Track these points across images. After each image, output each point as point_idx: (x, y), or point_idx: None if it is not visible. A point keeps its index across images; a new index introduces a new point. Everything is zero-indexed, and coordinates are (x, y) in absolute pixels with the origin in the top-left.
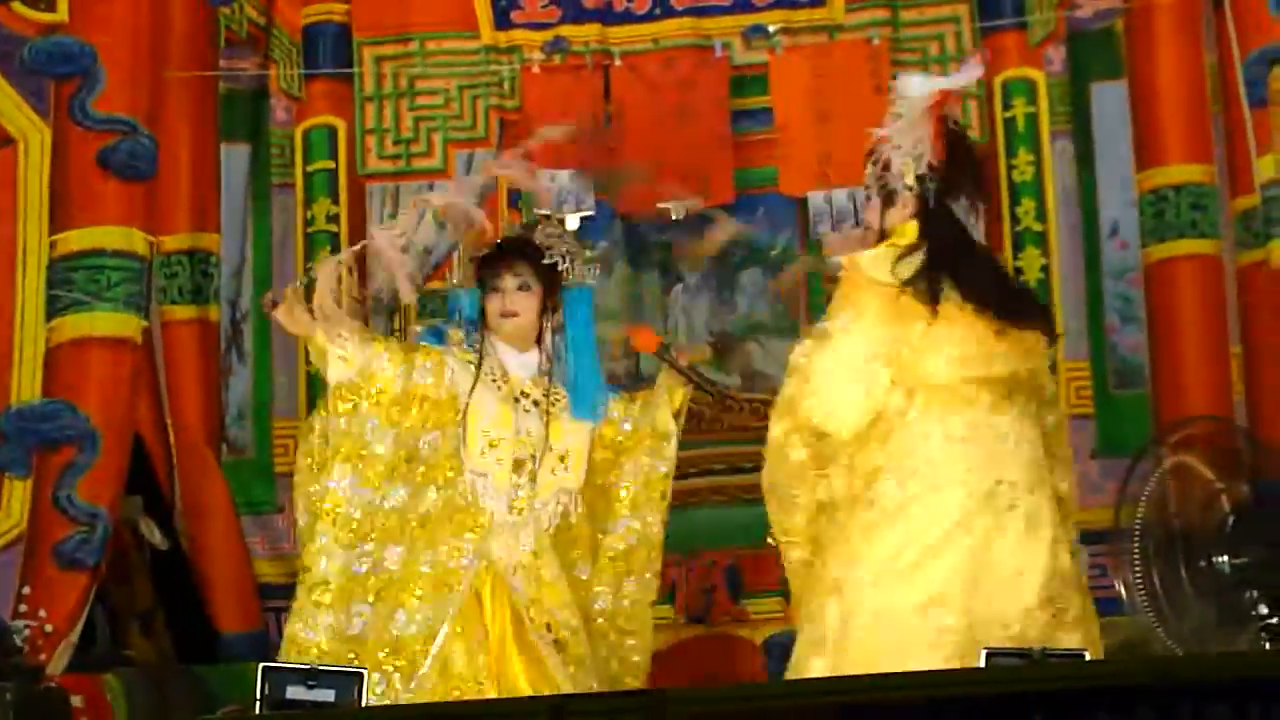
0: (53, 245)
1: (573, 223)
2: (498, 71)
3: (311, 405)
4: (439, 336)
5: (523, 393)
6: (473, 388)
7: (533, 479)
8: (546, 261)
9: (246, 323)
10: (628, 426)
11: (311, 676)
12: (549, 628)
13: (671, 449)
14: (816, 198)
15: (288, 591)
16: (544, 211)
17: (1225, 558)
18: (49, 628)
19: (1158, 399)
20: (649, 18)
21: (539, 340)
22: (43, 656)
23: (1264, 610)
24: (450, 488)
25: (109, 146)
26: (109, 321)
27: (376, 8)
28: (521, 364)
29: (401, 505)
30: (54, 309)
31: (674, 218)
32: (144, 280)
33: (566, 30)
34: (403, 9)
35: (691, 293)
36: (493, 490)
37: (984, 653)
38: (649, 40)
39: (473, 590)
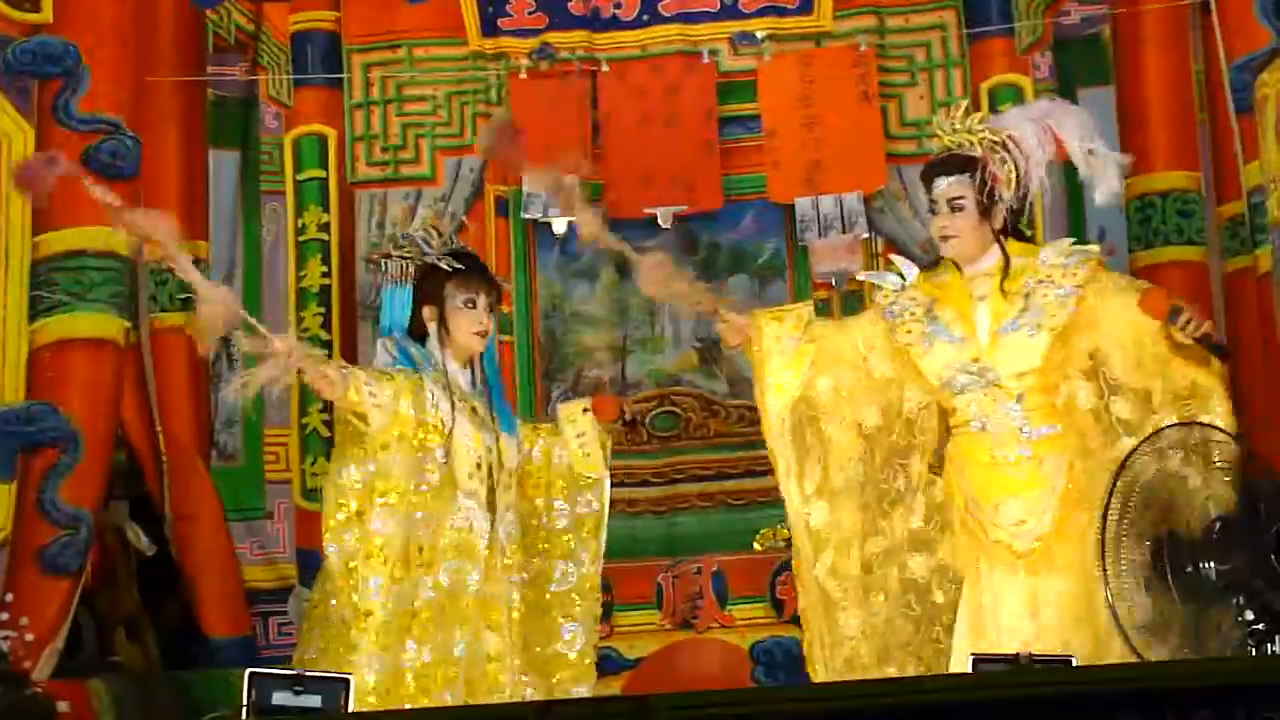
0: (35, 246)
1: (559, 227)
2: (485, 78)
3: (303, 412)
4: (408, 357)
5: (473, 406)
6: (453, 408)
7: (491, 494)
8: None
9: (236, 329)
10: (536, 454)
11: (298, 682)
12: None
13: (605, 491)
14: (804, 204)
15: (276, 597)
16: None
17: (1212, 564)
18: (29, 636)
19: None
20: (636, 24)
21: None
22: (27, 664)
23: (1250, 616)
24: (449, 514)
25: (92, 146)
26: (91, 323)
27: (365, 15)
28: (463, 377)
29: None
30: (36, 310)
31: (661, 223)
32: (127, 281)
33: (553, 37)
34: (391, 16)
35: None
36: (480, 514)
37: (971, 658)
38: (636, 47)
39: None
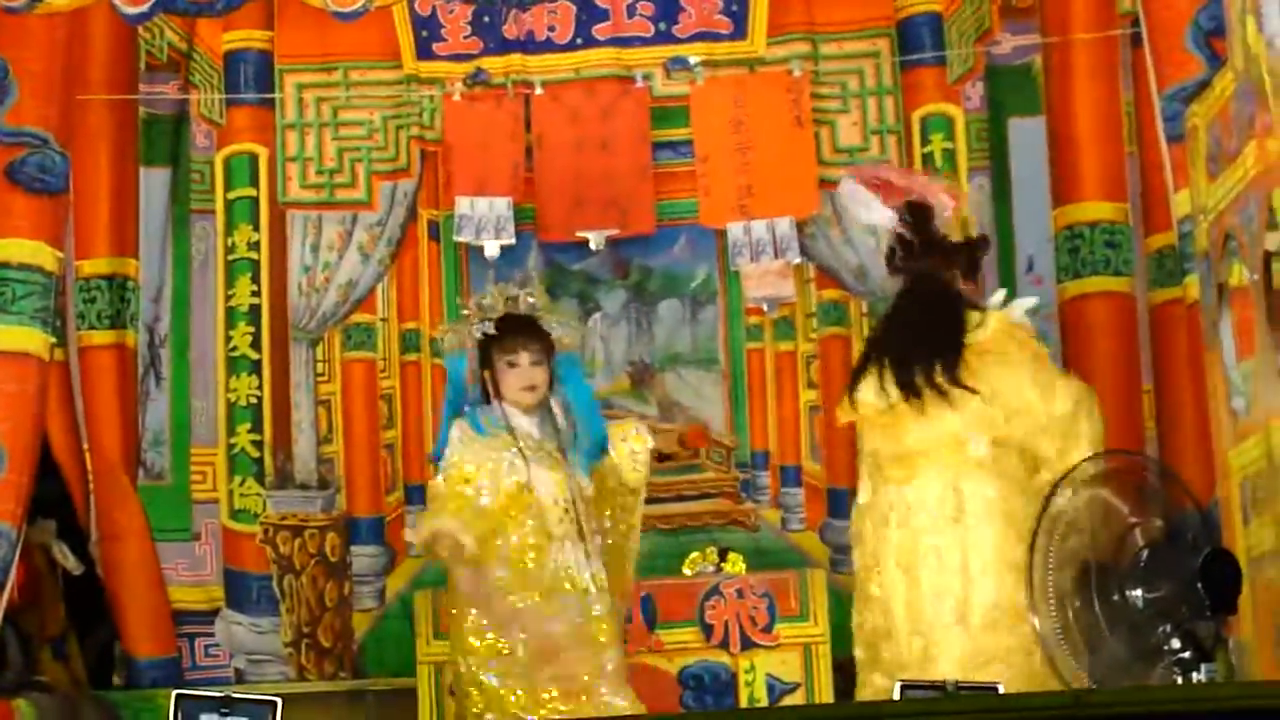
0: None
1: (492, 250)
2: (419, 102)
3: (231, 432)
4: (478, 425)
5: (548, 453)
6: (526, 462)
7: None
8: (553, 335)
9: (165, 348)
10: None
11: (225, 704)
12: None
13: (641, 504)
14: (735, 229)
15: (203, 618)
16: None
17: (1139, 592)
18: None
19: None
20: (570, 47)
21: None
22: None
23: (1176, 644)
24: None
25: (17, 160)
26: (13, 336)
27: (299, 35)
28: (533, 424)
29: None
30: None
31: (593, 247)
32: (52, 297)
33: (488, 61)
34: (324, 38)
35: (610, 322)
36: (573, 555)
37: (898, 685)
38: (570, 70)
39: None
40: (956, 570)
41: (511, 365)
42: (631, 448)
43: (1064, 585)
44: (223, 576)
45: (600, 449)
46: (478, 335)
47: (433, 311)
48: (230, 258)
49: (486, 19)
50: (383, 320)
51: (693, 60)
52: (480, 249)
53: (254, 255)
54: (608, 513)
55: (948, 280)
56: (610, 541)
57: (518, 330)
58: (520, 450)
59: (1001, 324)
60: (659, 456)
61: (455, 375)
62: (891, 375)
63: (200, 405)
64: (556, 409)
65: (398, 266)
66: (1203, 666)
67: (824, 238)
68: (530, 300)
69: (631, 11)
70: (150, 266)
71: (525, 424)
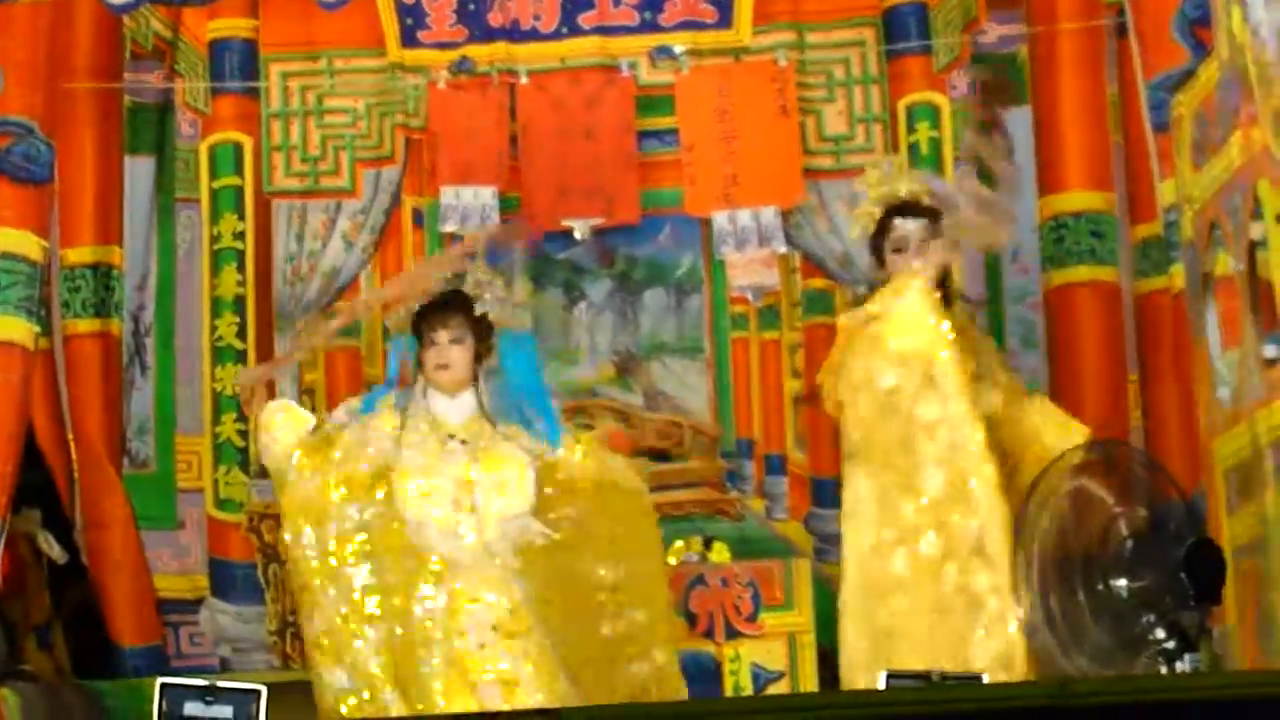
0: None
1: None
2: (404, 90)
3: (216, 421)
4: (369, 404)
5: (449, 435)
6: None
7: (471, 511)
8: (477, 313)
9: (149, 336)
10: (577, 458)
11: (210, 693)
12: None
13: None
14: (720, 218)
15: (188, 606)
16: (450, 229)
17: (1123, 581)
18: None
19: None
20: (556, 36)
21: (474, 382)
22: None
23: (1161, 634)
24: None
25: (2, 149)
26: None
27: (283, 24)
28: (453, 408)
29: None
30: None
31: (578, 236)
32: (38, 286)
33: (472, 50)
34: (310, 26)
35: (595, 311)
36: (436, 533)
37: (884, 675)
38: (556, 59)
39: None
40: None
41: (431, 343)
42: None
43: (1048, 575)
44: (208, 565)
45: (554, 437)
46: (402, 314)
47: None
48: (215, 246)
49: (472, 7)
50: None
51: (678, 49)
52: (464, 237)
53: (239, 244)
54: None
55: None
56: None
57: (441, 307)
58: (400, 438)
59: None
60: (651, 453)
61: (391, 357)
62: None
63: (185, 394)
64: (484, 392)
65: (381, 254)
66: (1187, 656)
67: (809, 226)
68: (478, 279)
69: (617, 0)
70: (135, 255)
71: (443, 409)
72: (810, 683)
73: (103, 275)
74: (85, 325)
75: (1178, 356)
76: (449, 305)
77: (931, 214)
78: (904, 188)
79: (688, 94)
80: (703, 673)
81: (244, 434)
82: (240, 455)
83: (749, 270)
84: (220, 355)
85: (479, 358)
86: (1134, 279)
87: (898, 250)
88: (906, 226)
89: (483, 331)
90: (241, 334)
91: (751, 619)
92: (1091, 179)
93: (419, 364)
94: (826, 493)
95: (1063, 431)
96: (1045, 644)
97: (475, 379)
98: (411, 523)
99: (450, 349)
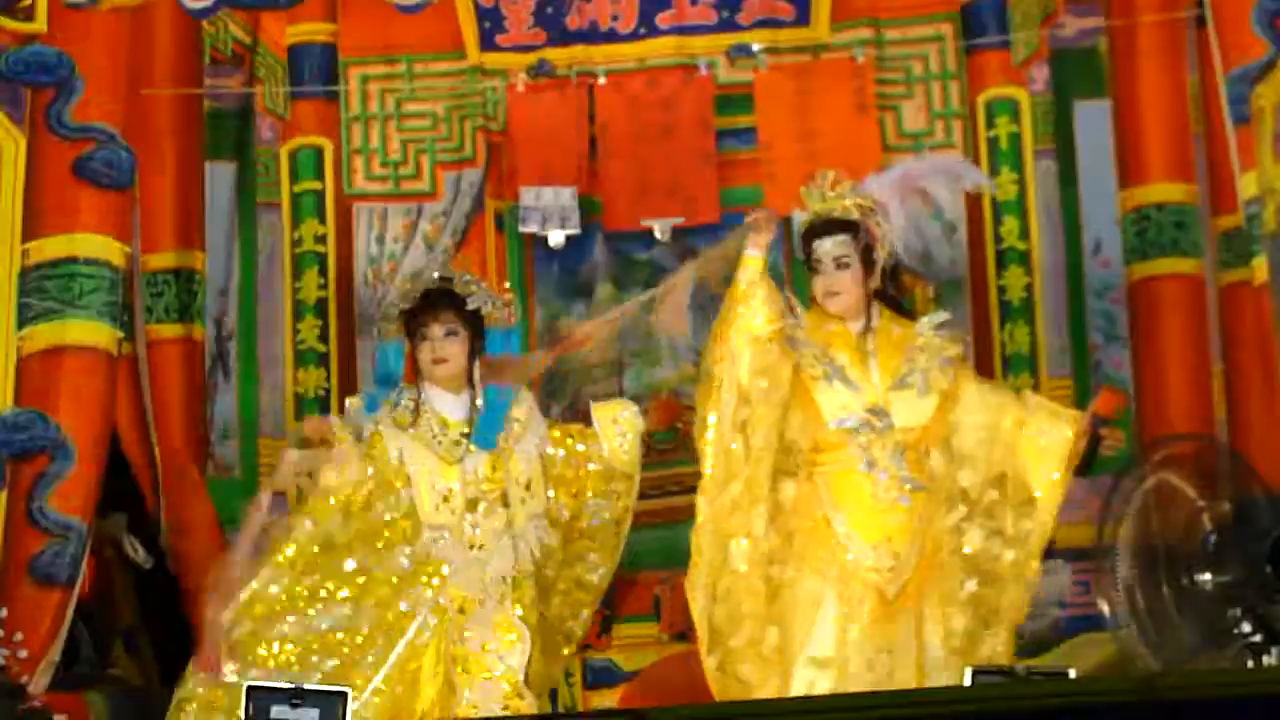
0: (25, 253)
1: (556, 240)
2: (483, 92)
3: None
4: (374, 404)
5: (463, 434)
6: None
7: (488, 514)
8: (470, 307)
9: (232, 341)
10: (561, 454)
11: (296, 696)
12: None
13: (635, 491)
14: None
15: None
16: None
17: (1208, 575)
18: (23, 653)
19: (1140, 417)
20: (634, 37)
21: (470, 381)
22: (24, 678)
23: (1247, 628)
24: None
25: (84, 155)
26: (81, 330)
27: (362, 28)
28: (456, 405)
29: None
30: (25, 317)
31: (658, 236)
32: (119, 290)
33: (551, 52)
34: (388, 30)
35: None
36: (451, 540)
37: (969, 671)
38: (633, 60)
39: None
40: None
41: (424, 339)
42: (620, 429)
43: (1133, 569)
44: None
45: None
46: (393, 312)
47: None
48: (297, 250)
49: (549, 9)
50: None
51: (756, 47)
52: (545, 239)
53: (321, 248)
54: (582, 495)
55: None
56: (596, 523)
57: (433, 302)
58: (413, 430)
59: None
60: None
61: (380, 358)
62: None
63: (268, 398)
64: (478, 388)
65: (462, 257)
66: (1273, 650)
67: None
68: (465, 279)
69: (694, 0)
70: (217, 260)
71: (448, 407)
72: None
73: (185, 280)
74: (168, 330)
75: (1262, 348)
76: (442, 300)
77: (850, 227)
78: (818, 207)
79: (766, 92)
80: None
81: None
82: None
83: None
84: (303, 359)
85: (474, 354)
86: (1217, 270)
87: (814, 271)
88: (823, 247)
89: (477, 327)
90: (324, 337)
91: None
92: (1173, 171)
93: (414, 364)
94: None
95: (1053, 419)
96: (1129, 638)
97: (472, 378)
98: (430, 527)
99: (446, 342)
